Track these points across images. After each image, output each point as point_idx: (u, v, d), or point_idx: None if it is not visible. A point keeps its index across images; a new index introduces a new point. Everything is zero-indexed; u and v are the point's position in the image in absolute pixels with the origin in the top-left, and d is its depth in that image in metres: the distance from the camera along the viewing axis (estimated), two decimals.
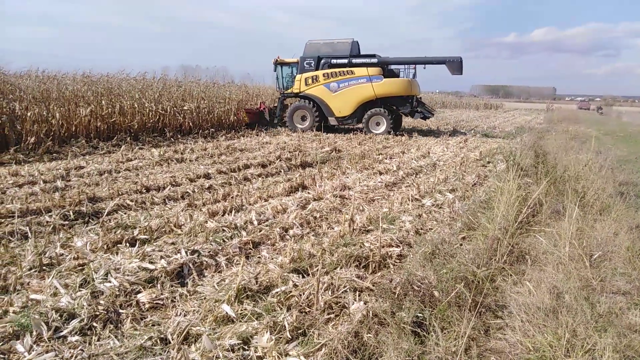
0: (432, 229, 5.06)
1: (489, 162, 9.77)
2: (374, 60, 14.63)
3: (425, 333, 2.78)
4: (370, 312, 3.01)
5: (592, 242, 4.14)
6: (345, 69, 14.65)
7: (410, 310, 2.97)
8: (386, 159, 10.01)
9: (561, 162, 7.95)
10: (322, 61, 14.96)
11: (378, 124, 14.63)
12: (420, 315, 2.97)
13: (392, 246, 4.39)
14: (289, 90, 15.52)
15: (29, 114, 9.61)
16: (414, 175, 8.29)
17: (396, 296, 3.23)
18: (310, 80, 14.92)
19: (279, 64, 15.74)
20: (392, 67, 15.19)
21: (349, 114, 14.82)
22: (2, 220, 4.78)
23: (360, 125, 15.25)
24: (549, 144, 12.06)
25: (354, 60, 14.68)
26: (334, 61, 14.84)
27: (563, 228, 4.04)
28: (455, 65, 14.00)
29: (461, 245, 4.34)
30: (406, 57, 15.04)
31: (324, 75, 14.78)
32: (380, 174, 8.18)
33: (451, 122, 23.22)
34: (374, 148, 11.61)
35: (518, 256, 4.11)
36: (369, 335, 2.77)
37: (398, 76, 15.10)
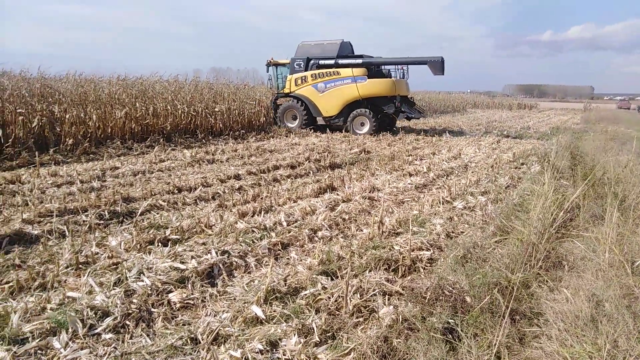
0: (463, 232, 4.95)
1: (522, 164, 9.50)
2: (359, 61, 14.82)
3: (456, 340, 2.71)
4: (400, 316, 2.97)
5: (634, 248, 3.95)
6: (331, 70, 14.95)
7: (441, 316, 2.90)
8: (416, 160, 9.88)
9: (600, 163, 7.66)
10: (311, 62, 15.32)
11: (362, 124, 14.77)
12: (452, 321, 2.91)
13: (423, 249, 4.32)
14: (282, 91, 15.89)
15: (67, 116, 9.95)
16: (445, 177, 8.15)
17: (426, 301, 3.17)
18: (299, 81, 15.28)
19: (273, 64, 16.19)
20: (387, 67, 15.40)
21: (336, 113, 15.06)
22: (42, 219, 4.95)
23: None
24: (586, 145, 11.65)
25: (340, 61, 14.93)
26: (321, 62, 15.16)
27: (602, 233, 3.88)
28: (437, 66, 14.07)
29: (494, 249, 4.23)
30: (390, 58, 15.28)
31: (312, 75, 15.12)
32: (410, 175, 8.07)
33: (483, 122, 22.74)
34: (404, 149, 11.48)
35: (554, 262, 3.97)
36: (398, 340, 2.73)
37: (389, 77, 15.22)
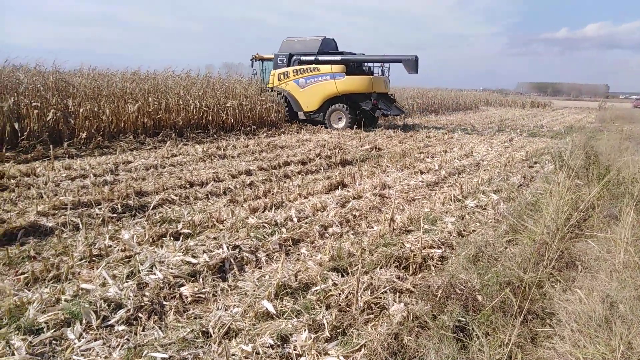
0: (475, 230, 4.92)
1: (535, 163, 9.41)
2: (338, 58, 15.19)
3: (468, 339, 2.70)
4: (411, 314, 2.96)
5: None
6: (312, 66, 15.29)
7: (453, 314, 2.89)
8: (427, 157, 9.83)
9: (615, 163, 7.55)
10: (293, 58, 15.66)
11: (340, 119, 15.17)
12: (463, 319, 2.89)
13: (434, 247, 4.30)
14: (267, 85, 16.25)
15: (81, 110, 10.06)
16: (457, 174, 8.11)
17: (437, 299, 3.16)
18: (282, 76, 15.70)
19: (259, 59, 16.79)
20: (368, 65, 15.86)
21: (316, 109, 15.43)
22: (56, 212, 5.02)
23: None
24: (601, 144, 11.49)
25: (320, 58, 15.25)
26: (302, 58, 15.49)
27: (617, 233, 3.83)
28: (411, 64, 14.45)
29: (506, 248, 4.19)
30: (368, 55, 15.80)
31: (293, 71, 15.55)
32: (422, 173, 8.04)
33: (495, 120, 22.54)
34: (415, 147, 11.43)
35: (568, 262, 3.93)
36: (409, 337, 2.72)
37: (370, 74, 15.58)
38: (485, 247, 4.13)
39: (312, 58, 15.35)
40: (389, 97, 16.20)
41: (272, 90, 15.89)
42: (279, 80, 15.76)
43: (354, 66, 15.46)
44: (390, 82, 16.48)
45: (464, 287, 3.28)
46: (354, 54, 15.97)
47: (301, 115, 16.02)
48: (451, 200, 6.05)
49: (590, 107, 46.12)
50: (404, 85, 33.94)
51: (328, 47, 15.77)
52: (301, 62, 15.54)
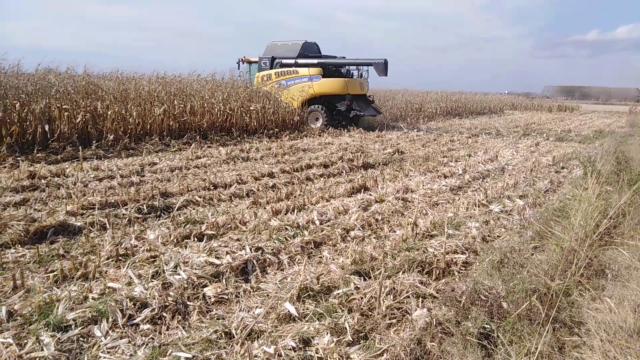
0: (500, 236, 4.83)
1: (563, 168, 9.20)
2: (315, 61, 15.84)
3: (492, 346, 2.65)
4: (434, 320, 2.93)
5: None
6: (292, 69, 15.94)
7: (477, 320, 2.84)
8: (451, 161, 9.71)
9: None
10: (275, 61, 16.29)
11: (317, 119, 15.71)
12: (487, 326, 2.84)
13: (457, 253, 4.25)
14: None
15: (109, 112, 10.29)
16: (481, 179, 7.98)
17: (461, 305, 3.11)
18: (265, 78, 16.28)
19: (246, 62, 17.39)
20: (349, 67, 16.50)
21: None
22: (84, 212, 5.14)
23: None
24: (632, 149, 11.15)
25: (299, 61, 15.87)
26: (284, 61, 16.13)
27: None
28: (380, 67, 15.17)
29: (532, 255, 4.10)
30: (341, 59, 16.40)
31: (275, 74, 16.16)
32: (445, 177, 7.94)
33: (521, 124, 22.12)
34: (439, 150, 11.32)
35: (597, 270, 3.83)
36: (432, 343, 2.69)
37: (349, 76, 16.30)
38: (510, 253, 4.05)
39: (292, 61, 16.02)
40: (366, 99, 16.77)
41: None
42: (262, 82, 16.33)
43: (331, 69, 16.10)
44: (368, 84, 17.11)
45: (489, 293, 3.23)
46: (335, 57, 16.60)
47: None
48: (475, 205, 5.96)
49: (620, 111, 44.86)
50: (428, 89, 33.68)
51: (309, 50, 16.40)
52: (282, 65, 16.20)
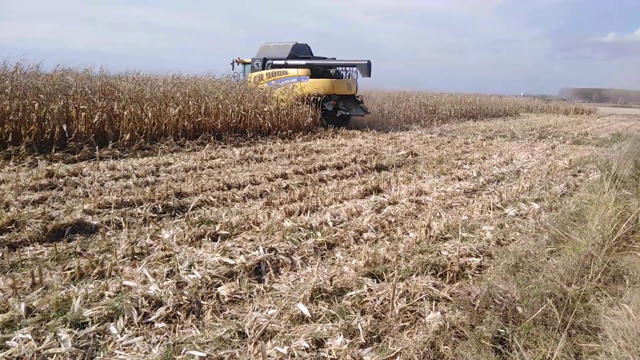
0: (515, 240, 4.78)
1: (579, 172, 9.06)
2: (303, 62, 16.36)
3: (507, 351, 2.63)
4: (448, 323, 2.91)
5: None
6: (282, 70, 16.45)
7: (492, 324, 2.82)
8: (465, 164, 9.64)
9: None
10: (267, 62, 16.84)
11: None
12: (502, 331, 2.82)
13: (472, 256, 4.21)
14: None
15: (125, 112, 10.42)
16: (496, 182, 7.91)
17: (475, 309, 3.09)
18: (257, 79, 16.82)
19: (240, 63, 18.13)
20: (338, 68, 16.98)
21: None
22: (101, 211, 5.22)
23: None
24: None
25: (289, 62, 16.39)
26: (275, 62, 16.65)
27: None
28: (364, 68, 15.77)
29: (548, 259, 4.06)
30: (327, 61, 16.78)
31: (267, 74, 16.67)
32: (459, 180, 7.89)
33: (537, 127, 21.87)
34: (453, 153, 11.24)
35: (614, 276, 3.76)
36: (445, 347, 2.67)
37: (338, 77, 16.75)
38: (525, 257, 4.01)
39: (282, 62, 16.48)
40: (354, 99, 17.09)
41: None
42: (254, 82, 16.75)
43: (320, 70, 16.45)
44: (357, 85, 17.44)
45: (504, 297, 3.19)
46: (325, 58, 16.99)
47: None
48: (490, 208, 5.91)
49: (639, 114, 44.06)
50: (442, 91, 33.46)
51: (300, 52, 16.85)
52: (273, 66, 16.67)
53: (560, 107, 44.00)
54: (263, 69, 16.87)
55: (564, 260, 3.87)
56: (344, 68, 17.08)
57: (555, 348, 2.42)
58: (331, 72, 16.86)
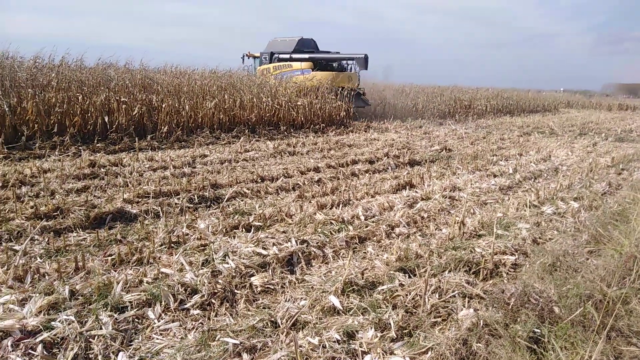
0: (552, 239, 4.65)
1: (623, 170, 8.71)
2: (306, 56, 17.14)
3: (543, 351, 2.57)
4: (481, 320, 2.87)
5: None
6: (287, 63, 17.23)
7: (527, 324, 2.76)
8: (501, 160, 9.42)
9: None
10: (274, 56, 17.74)
11: None
12: (537, 331, 2.76)
13: (506, 254, 4.13)
14: None
15: (163, 105, 10.69)
16: (533, 179, 7.70)
17: (510, 307, 3.03)
18: (265, 72, 17.55)
19: (250, 56, 19.15)
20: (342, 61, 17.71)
21: None
22: (139, 200, 5.39)
23: None
24: None
25: (293, 56, 17.21)
26: (281, 56, 17.54)
27: None
28: (361, 62, 16.42)
29: (587, 259, 3.93)
30: (327, 54, 17.61)
31: (273, 67, 17.46)
32: (495, 176, 7.72)
33: (577, 123, 21.10)
34: (488, 149, 11.00)
35: None
36: (478, 345, 2.64)
37: (341, 70, 17.46)
38: (563, 256, 3.90)
39: (288, 56, 17.31)
40: (359, 92, 17.55)
41: None
42: (262, 75, 17.25)
43: (323, 63, 17.16)
44: (359, 77, 17.90)
45: (540, 297, 3.12)
46: (329, 52, 17.81)
47: None
48: (526, 206, 5.76)
49: None
50: (478, 86, 32.71)
51: (305, 46, 17.67)
52: (279, 60, 17.52)
53: (603, 102, 42.29)
54: (270, 62, 17.66)
55: (604, 261, 3.75)
56: (345, 62, 17.71)
57: (593, 350, 2.36)
58: (334, 65, 17.53)
